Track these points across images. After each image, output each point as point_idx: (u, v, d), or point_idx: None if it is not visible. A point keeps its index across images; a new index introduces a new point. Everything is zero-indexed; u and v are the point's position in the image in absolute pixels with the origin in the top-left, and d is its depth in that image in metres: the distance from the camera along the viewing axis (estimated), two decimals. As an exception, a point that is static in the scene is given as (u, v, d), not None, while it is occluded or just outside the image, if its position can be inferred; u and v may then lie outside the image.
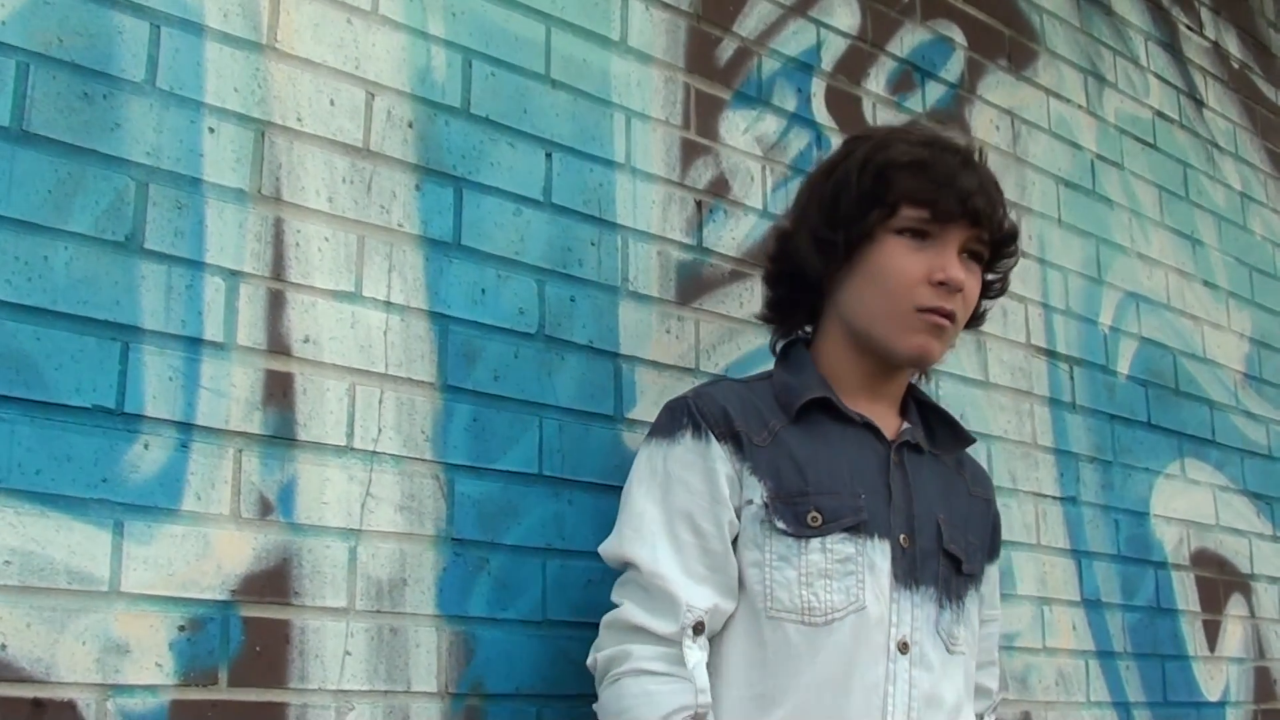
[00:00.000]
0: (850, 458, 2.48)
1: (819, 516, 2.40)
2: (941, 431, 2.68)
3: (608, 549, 2.46)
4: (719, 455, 2.43)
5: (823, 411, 2.52)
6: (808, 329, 2.68)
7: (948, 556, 2.52)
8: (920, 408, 2.68)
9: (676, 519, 2.41)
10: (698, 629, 2.34)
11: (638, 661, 2.34)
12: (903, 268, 2.48)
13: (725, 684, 2.37)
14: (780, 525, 2.40)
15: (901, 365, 2.57)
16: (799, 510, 2.40)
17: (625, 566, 2.43)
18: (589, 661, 2.42)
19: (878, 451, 2.52)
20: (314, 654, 2.32)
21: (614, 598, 2.43)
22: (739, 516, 2.42)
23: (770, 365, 2.68)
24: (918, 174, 2.49)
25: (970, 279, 2.51)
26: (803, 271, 2.59)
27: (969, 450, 2.77)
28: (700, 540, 2.40)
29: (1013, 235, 2.62)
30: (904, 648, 2.41)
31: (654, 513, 2.41)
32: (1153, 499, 4.13)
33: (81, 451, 2.14)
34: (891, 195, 2.48)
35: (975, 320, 2.65)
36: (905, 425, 2.59)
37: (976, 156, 2.58)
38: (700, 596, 2.36)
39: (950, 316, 2.49)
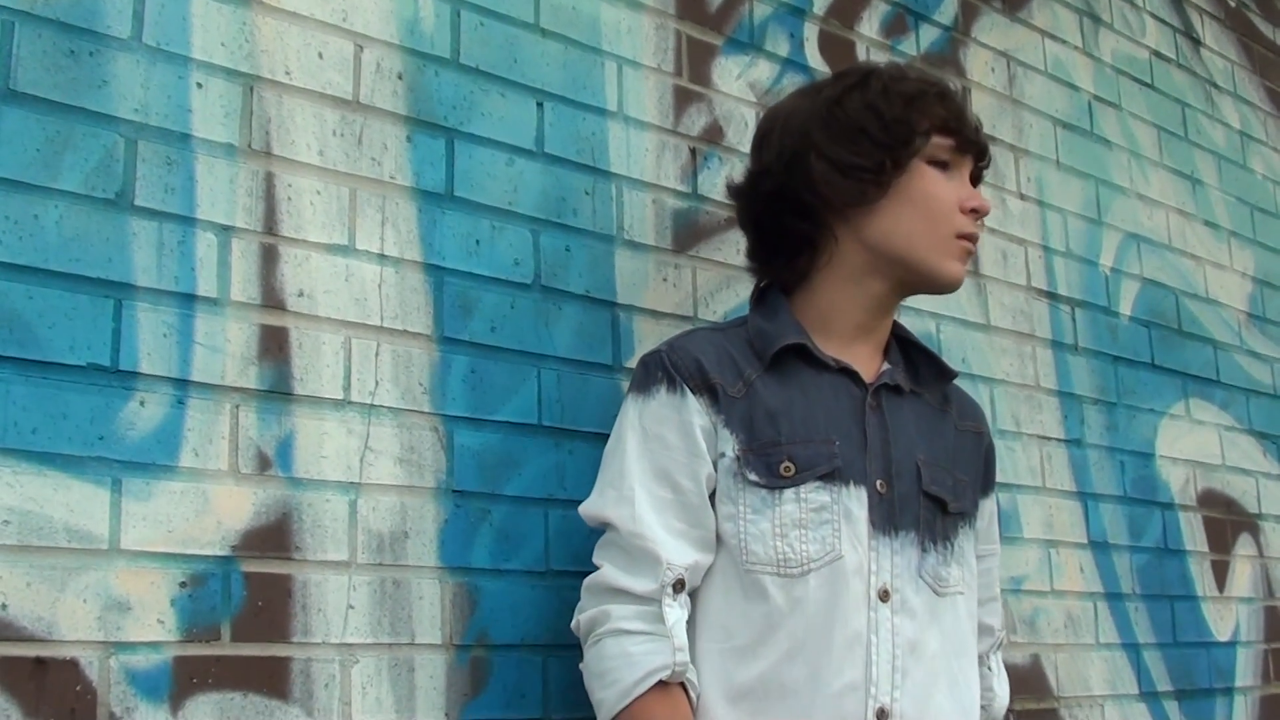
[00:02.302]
0: (826, 404, 2.48)
1: (792, 466, 2.40)
2: (925, 368, 2.66)
3: (587, 509, 2.46)
4: (694, 408, 2.43)
5: (798, 358, 2.50)
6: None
7: (929, 498, 2.50)
8: (903, 346, 2.67)
9: (654, 476, 2.40)
10: (677, 586, 2.35)
11: (617, 622, 2.34)
12: (943, 195, 2.52)
13: (705, 638, 2.38)
14: (752, 477, 2.40)
15: (932, 291, 2.60)
16: (771, 461, 2.40)
17: (604, 527, 2.43)
18: (573, 624, 2.44)
19: (854, 396, 2.51)
20: (316, 608, 2.32)
21: (594, 560, 2.42)
22: (715, 469, 2.43)
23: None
24: (942, 104, 2.55)
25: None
26: (818, 200, 2.54)
27: (961, 386, 2.76)
28: (678, 496, 2.40)
29: (982, 176, 2.68)
30: (884, 595, 2.39)
31: (631, 470, 2.41)
32: (1158, 440, 4.12)
33: (77, 410, 2.13)
34: (925, 123, 2.52)
35: None
36: (885, 367, 2.58)
37: None
38: (679, 553, 2.36)
39: (975, 243, 2.57)
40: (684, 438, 2.42)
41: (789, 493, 2.39)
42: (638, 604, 2.33)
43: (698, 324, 2.91)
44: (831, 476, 2.41)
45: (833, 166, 2.51)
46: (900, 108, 2.51)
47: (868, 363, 2.56)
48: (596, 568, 2.40)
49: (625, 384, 2.74)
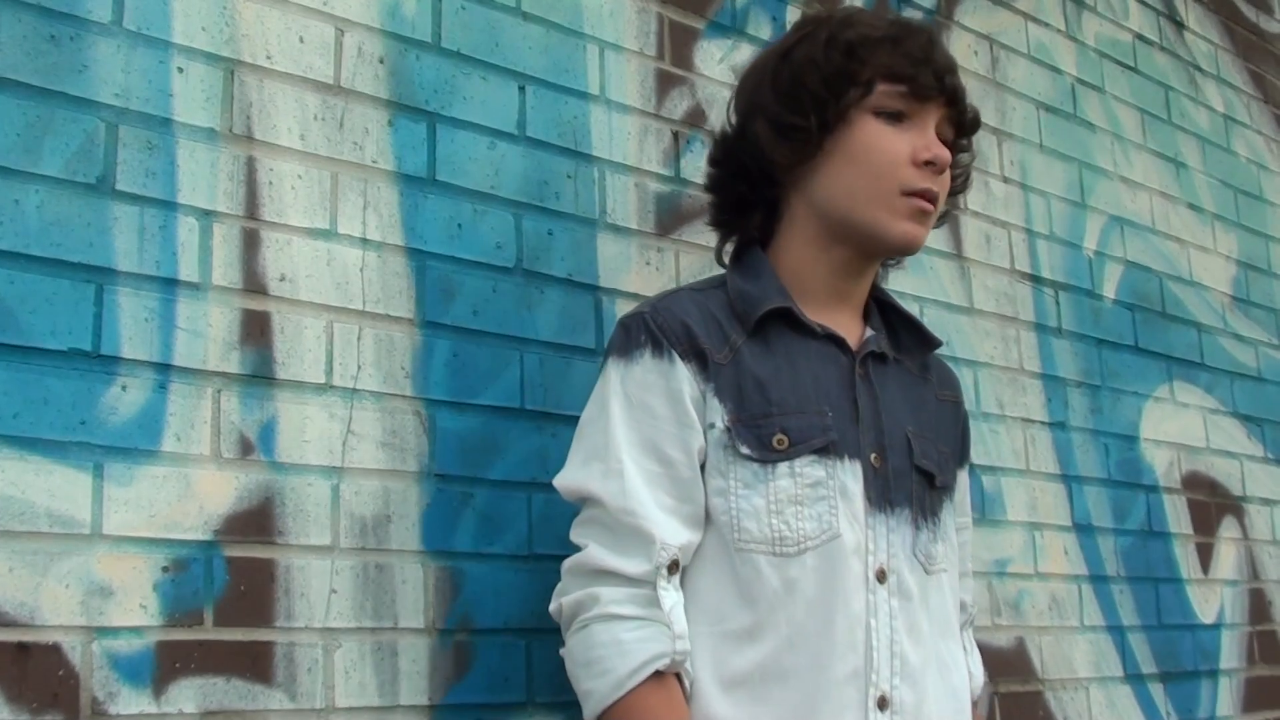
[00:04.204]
0: (814, 373, 2.35)
1: (785, 439, 2.28)
2: (906, 335, 2.55)
3: (565, 482, 2.33)
4: (683, 375, 2.30)
5: (782, 322, 2.38)
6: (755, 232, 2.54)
7: (920, 473, 2.40)
8: (884, 310, 2.56)
9: (641, 447, 2.27)
10: (672, 568, 2.22)
11: (607, 606, 2.21)
12: (885, 147, 2.35)
13: (695, 622, 2.23)
14: (744, 450, 2.27)
15: (887, 254, 2.47)
16: (763, 433, 2.28)
17: (584, 502, 2.30)
18: (552, 608, 2.31)
19: (841, 364, 2.39)
20: (299, 592, 2.32)
21: (575, 538, 2.30)
22: (705, 440, 2.30)
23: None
24: (892, 49, 2.37)
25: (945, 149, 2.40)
26: (763, 164, 2.45)
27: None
28: (668, 469, 2.27)
29: (977, 123, 2.51)
30: (881, 576, 2.29)
31: (617, 441, 2.27)
32: (1142, 423, 4.13)
33: (59, 394, 2.13)
34: (866, 72, 2.36)
35: (939, 219, 2.52)
36: (869, 333, 2.46)
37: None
38: (673, 532, 2.23)
39: (935, 200, 2.38)
40: (673, 406, 2.29)
41: (783, 467, 2.27)
42: (629, 586, 2.20)
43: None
44: (826, 450, 2.29)
45: (772, 128, 2.41)
46: (840, 57, 2.36)
47: (849, 327, 2.45)
48: (577, 547, 2.29)
49: (608, 367, 2.74)
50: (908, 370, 2.52)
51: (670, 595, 2.21)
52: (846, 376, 2.39)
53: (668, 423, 2.29)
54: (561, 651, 2.30)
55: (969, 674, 2.52)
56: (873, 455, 2.35)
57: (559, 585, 2.32)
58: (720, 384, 2.31)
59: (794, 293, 2.42)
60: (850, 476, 2.31)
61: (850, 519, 2.28)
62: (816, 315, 2.41)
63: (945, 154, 2.37)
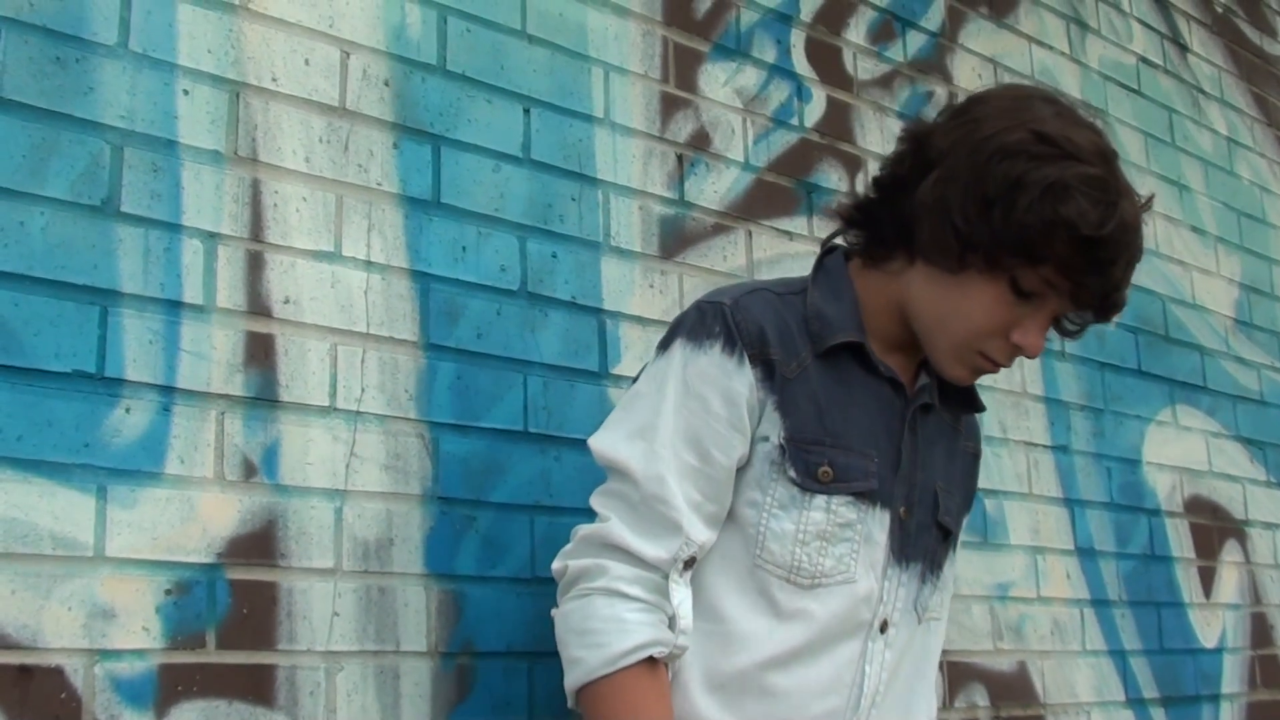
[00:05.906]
0: (869, 413, 2.33)
1: (830, 472, 2.26)
2: (952, 388, 2.45)
3: (604, 449, 2.27)
4: (748, 380, 2.25)
5: (851, 353, 2.33)
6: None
7: (939, 528, 2.41)
8: None
9: (685, 438, 2.23)
10: (689, 564, 2.20)
11: (613, 581, 2.18)
12: (995, 315, 2.26)
13: (695, 612, 2.22)
14: (790, 473, 2.25)
15: None
16: (811, 460, 2.26)
17: (615, 472, 2.25)
18: (555, 566, 2.26)
19: (895, 409, 2.35)
20: (302, 615, 2.31)
21: (596, 506, 2.26)
22: (751, 449, 2.27)
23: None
24: (1083, 253, 2.19)
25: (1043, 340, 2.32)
26: (912, 228, 2.30)
27: None
28: (705, 466, 2.23)
29: (1118, 310, 2.35)
30: (884, 626, 2.31)
31: (666, 426, 2.23)
32: (1144, 446, 4.12)
33: (63, 417, 2.13)
34: (1045, 252, 2.19)
35: None
36: (923, 380, 2.40)
37: (1145, 220, 2.30)
38: (698, 529, 2.20)
39: (999, 368, 2.35)
40: (729, 407, 2.25)
41: (820, 499, 2.26)
42: (641, 569, 2.17)
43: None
44: (863, 495, 2.28)
45: (938, 210, 2.25)
46: (1037, 223, 2.17)
47: (907, 369, 2.40)
48: (594, 512, 2.25)
49: (612, 390, 2.74)
50: (945, 420, 2.48)
51: (681, 589, 2.19)
52: (897, 424, 2.36)
53: (719, 422, 2.25)
54: (554, 613, 2.25)
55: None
56: (902, 508, 2.34)
57: (567, 547, 2.26)
58: (784, 397, 2.27)
59: (866, 322, 2.37)
60: (878, 526, 2.31)
61: (868, 567, 2.29)
62: (882, 350, 2.38)
63: (1038, 347, 2.30)
